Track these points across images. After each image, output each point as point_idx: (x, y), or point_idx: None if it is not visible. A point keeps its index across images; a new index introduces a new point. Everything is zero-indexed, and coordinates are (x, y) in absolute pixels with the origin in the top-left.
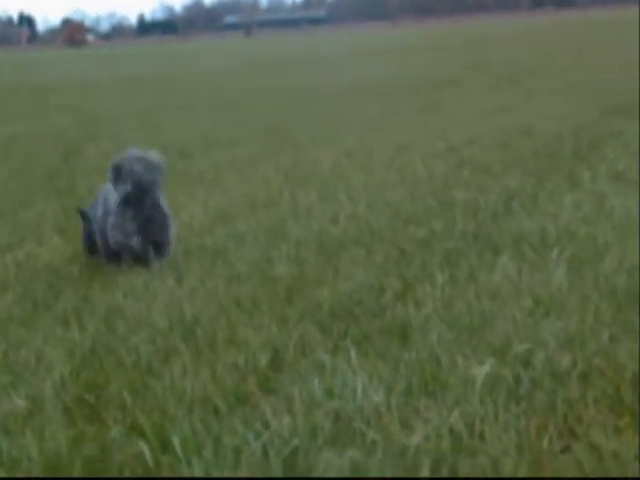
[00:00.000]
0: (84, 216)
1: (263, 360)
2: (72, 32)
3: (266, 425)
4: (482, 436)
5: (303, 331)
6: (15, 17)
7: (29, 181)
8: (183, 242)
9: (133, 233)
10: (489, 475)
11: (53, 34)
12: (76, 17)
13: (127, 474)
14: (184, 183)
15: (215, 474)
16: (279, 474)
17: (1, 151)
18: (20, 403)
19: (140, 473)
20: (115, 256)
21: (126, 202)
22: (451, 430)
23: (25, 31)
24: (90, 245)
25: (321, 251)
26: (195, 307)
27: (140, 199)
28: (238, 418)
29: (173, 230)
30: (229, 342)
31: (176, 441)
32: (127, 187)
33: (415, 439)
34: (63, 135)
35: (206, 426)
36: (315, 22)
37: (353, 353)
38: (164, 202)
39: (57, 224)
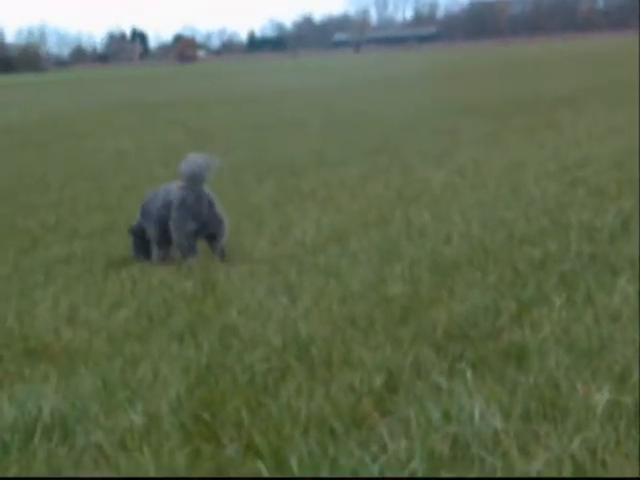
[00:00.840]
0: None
1: (378, 381)
2: (183, 48)
3: (383, 448)
4: (604, 463)
5: (418, 352)
6: (128, 33)
7: (141, 197)
8: (296, 260)
9: (191, 233)
10: None
11: (165, 50)
12: (187, 33)
13: None
14: (296, 201)
15: None
16: None
17: (113, 165)
18: (137, 419)
19: None
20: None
21: (184, 202)
22: (572, 457)
23: (137, 47)
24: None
25: (435, 271)
26: (310, 326)
27: (194, 195)
28: (354, 440)
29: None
30: (344, 362)
31: (293, 462)
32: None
33: (536, 465)
34: (174, 151)
35: (323, 447)
36: (425, 39)
37: (469, 376)
38: (215, 199)
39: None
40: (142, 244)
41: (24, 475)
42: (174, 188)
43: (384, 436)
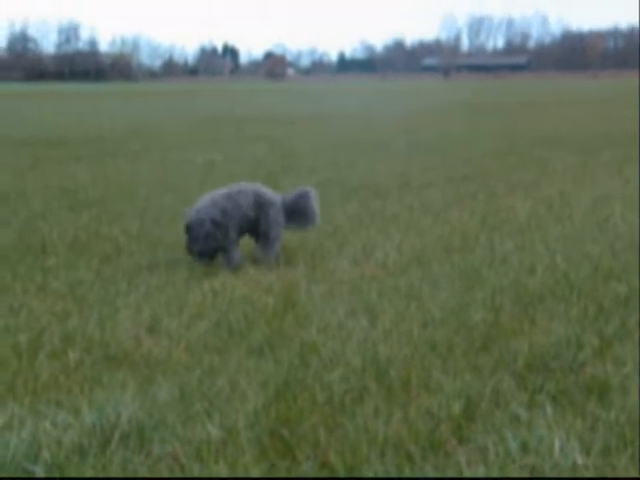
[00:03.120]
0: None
1: (457, 408)
2: (273, 65)
3: (460, 474)
4: None
5: (498, 381)
6: (220, 48)
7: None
8: (377, 282)
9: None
10: None
11: (255, 66)
12: (278, 51)
13: None
14: (379, 222)
15: None
16: None
17: (201, 179)
18: (214, 431)
19: None
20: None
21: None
22: None
23: (228, 62)
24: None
25: (517, 301)
26: (389, 348)
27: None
28: (431, 465)
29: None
30: (422, 386)
31: None
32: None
33: None
34: (260, 166)
35: (399, 470)
36: (515, 69)
37: (549, 408)
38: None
39: (252, 255)
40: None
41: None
42: (258, 190)
43: (461, 463)
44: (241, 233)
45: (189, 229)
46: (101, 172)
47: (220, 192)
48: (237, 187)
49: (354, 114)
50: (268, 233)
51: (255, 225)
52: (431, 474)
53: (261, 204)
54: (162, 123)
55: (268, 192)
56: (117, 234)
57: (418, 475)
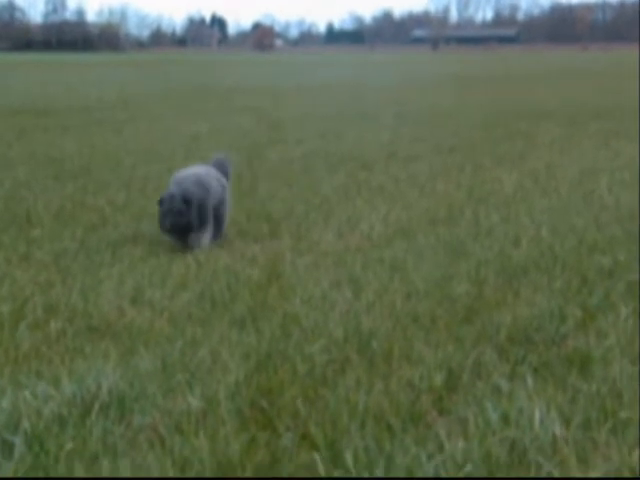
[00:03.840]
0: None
1: (438, 379)
2: (261, 36)
3: (440, 447)
4: None
5: (480, 353)
6: (208, 18)
7: None
8: (362, 254)
9: None
10: None
11: (243, 37)
12: (266, 22)
13: None
14: (365, 194)
15: None
16: None
17: (186, 149)
18: (195, 403)
19: None
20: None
21: None
22: (632, 469)
23: (216, 33)
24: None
25: (501, 273)
26: (372, 320)
27: None
28: (411, 437)
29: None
30: (404, 358)
31: (348, 456)
32: None
33: (594, 475)
34: (246, 137)
35: (379, 443)
36: (504, 41)
37: (530, 380)
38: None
39: (239, 226)
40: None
41: (79, 451)
42: (218, 176)
43: (441, 435)
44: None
45: (173, 203)
46: (87, 142)
47: (199, 170)
48: (202, 167)
49: (342, 85)
50: (224, 217)
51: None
52: (411, 446)
53: (222, 188)
54: (149, 93)
55: (219, 174)
56: (103, 204)
57: (398, 447)
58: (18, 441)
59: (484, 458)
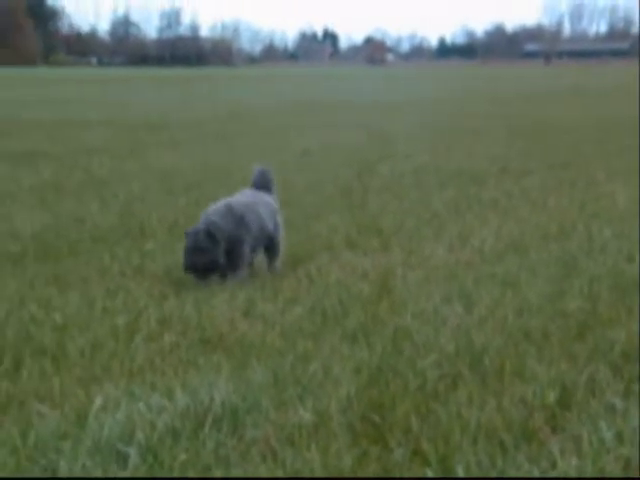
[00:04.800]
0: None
1: (551, 397)
2: (373, 51)
3: (553, 464)
4: None
5: (594, 370)
6: (320, 33)
7: (323, 195)
8: (473, 269)
9: None
10: None
11: (355, 51)
12: (378, 36)
13: None
14: (476, 209)
15: None
16: None
17: (297, 164)
18: (307, 416)
19: None
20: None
21: None
22: None
23: (328, 47)
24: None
25: (615, 289)
26: (484, 336)
27: None
28: (524, 454)
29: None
30: (517, 374)
31: (460, 471)
32: None
33: None
34: (357, 152)
35: (491, 459)
36: (617, 54)
37: None
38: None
39: (349, 239)
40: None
41: (192, 463)
42: (265, 200)
43: (554, 453)
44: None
45: (196, 239)
46: (199, 156)
47: (236, 199)
48: (247, 194)
49: (452, 99)
50: (278, 246)
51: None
52: (524, 463)
53: (272, 215)
54: (260, 108)
55: (270, 198)
56: None
57: (510, 463)
58: (132, 452)
59: (598, 475)
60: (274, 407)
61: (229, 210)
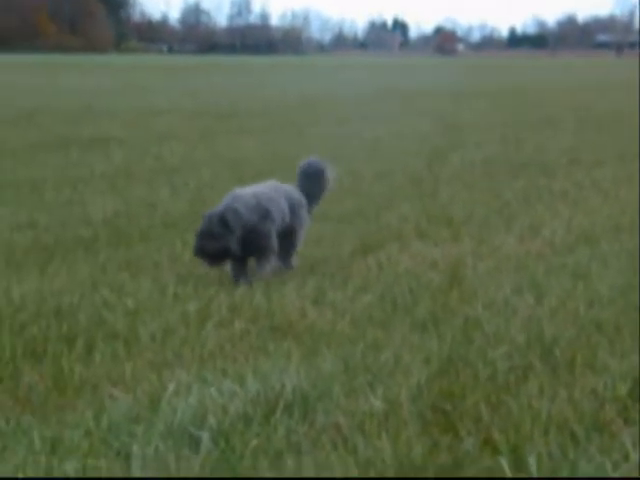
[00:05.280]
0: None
1: (623, 389)
2: (443, 41)
3: (626, 456)
4: None
5: None
6: (389, 22)
7: (393, 184)
8: (544, 260)
9: None
10: None
11: (424, 41)
12: (448, 26)
13: None
14: (546, 200)
15: None
16: None
17: (367, 153)
18: (377, 404)
19: None
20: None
21: None
22: None
23: (398, 36)
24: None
25: None
26: (555, 327)
27: None
28: (595, 445)
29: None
30: (588, 366)
31: (532, 461)
32: None
33: None
34: (427, 141)
35: (563, 450)
36: None
37: None
38: None
39: (418, 229)
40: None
41: (264, 449)
42: (289, 192)
43: (627, 444)
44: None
45: (209, 223)
46: (269, 145)
47: (258, 189)
48: (268, 185)
49: (522, 90)
50: (296, 240)
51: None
52: (595, 454)
53: (292, 206)
54: (330, 96)
55: (294, 190)
56: None
57: (582, 455)
58: (205, 436)
59: None
60: (345, 394)
61: (256, 200)
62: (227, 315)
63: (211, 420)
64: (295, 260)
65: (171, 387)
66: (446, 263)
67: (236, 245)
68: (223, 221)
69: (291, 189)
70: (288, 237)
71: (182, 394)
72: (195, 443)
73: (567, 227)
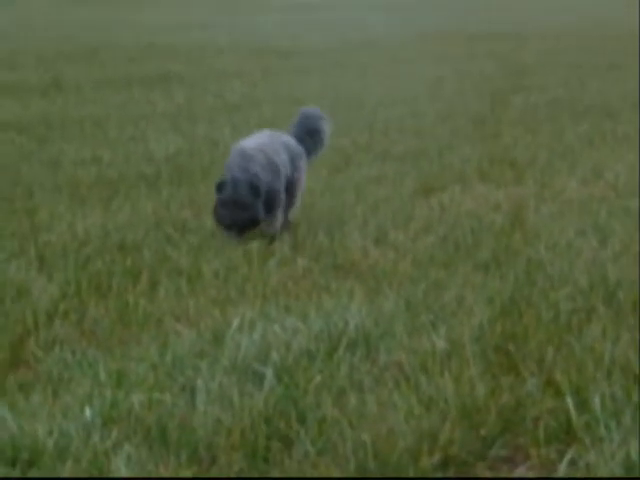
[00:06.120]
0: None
1: None
2: None
3: None
4: None
5: None
6: None
7: (455, 125)
8: (607, 203)
9: None
10: None
11: None
12: None
13: (541, 429)
14: (610, 143)
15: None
16: None
17: (429, 93)
18: (440, 344)
19: (554, 429)
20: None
21: None
22: None
23: None
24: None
25: None
26: (618, 270)
27: None
28: None
29: None
30: None
31: (595, 402)
32: None
33: None
34: (490, 82)
35: (626, 392)
36: None
37: None
38: None
39: (481, 171)
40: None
41: (327, 386)
42: (287, 142)
43: None
44: None
45: (238, 192)
46: (330, 84)
47: (266, 142)
48: (269, 136)
49: (584, 32)
50: (295, 193)
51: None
52: None
53: (292, 158)
54: (391, 37)
55: (292, 141)
56: (346, 145)
57: None
58: (269, 372)
59: None
60: (407, 333)
61: (265, 156)
62: (289, 253)
63: (274, 356)
64: (293, 215)
65: (235, 323)
66: (509, 205)
67: (262, 211)
68: (253, 189)
69: (289, 139)
70: (287, 191)
71: (245, 330)
72: (259, 379)
73: (630, 170)
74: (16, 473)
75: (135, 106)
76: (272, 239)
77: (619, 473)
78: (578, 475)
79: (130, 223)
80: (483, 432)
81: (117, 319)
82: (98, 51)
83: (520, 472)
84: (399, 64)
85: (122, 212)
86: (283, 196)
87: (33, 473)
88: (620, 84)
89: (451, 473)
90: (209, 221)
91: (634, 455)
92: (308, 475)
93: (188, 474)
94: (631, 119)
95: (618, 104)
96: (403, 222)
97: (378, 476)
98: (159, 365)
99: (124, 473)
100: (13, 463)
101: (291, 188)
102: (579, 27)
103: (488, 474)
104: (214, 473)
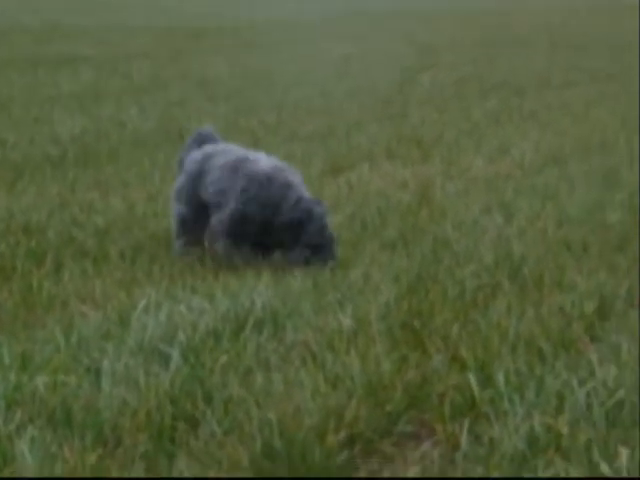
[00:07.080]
0: None
1: (590, 306)
2: None
3: (592, 373)
4: None
5: (633, 281)
6: None
7: (363, 104)
8: (513, 180)
9: None
10: None
11: None
12: None
13: (447, 404)
14: (516, 121)
15: (535, 416)
16: (602, 425)
17: (337, 71)
18: (346, 322)
19: (459, 404)
20: None
21: None
22: None
23: None
24: None
25: None
26: (523, 246)
27: None
28: (562, 362)
29: None
30: (556, 285)
31: (499, 377)
32: None
33: None
34: (398, 61)
35: (530, 367)
36: None
37: None
38: None
39: (389, 150)
40: None
41: (234, 365)
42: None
43: (593, 361)
44: None
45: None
46: (239, 64)
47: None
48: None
49: (494, 11)
50: None
51: None
52: (562, 371)
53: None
54: (299, 16)
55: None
56: (254, 125)
57: (549, 372)
58: (175, 353)
59: (637, 384)
60: (314, 312)
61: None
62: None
63: (181, 336)
64: None
65: (141, 304)
66: (416, 184)
67: None
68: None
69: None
70: None
71: (152, 311)
72: (165, 359)
73: (536, 148)
74: None
75: (41, 87)
76: None
77: (522, 447)
78: (482, 450)
79: (35, 205)
80: (389, 409)
81: (21, 302)
82: (2, 32)
83: (425, 447)
84: (308, 44)
85: (27, 194)
86: None
87: None
88: (528, 61)
89: (357, 450)
90: (116, 202)
91: (537, 428)
92: (215, 455)
93: (93, 456)
94: (537, 96)
95: (526, 81)
96: None
97: (284, 454)
98: (64, 347)
99: (28, 455)
100: None
101: None
102: (487, 6)
103: (394, 450)
104: (119, 454)
